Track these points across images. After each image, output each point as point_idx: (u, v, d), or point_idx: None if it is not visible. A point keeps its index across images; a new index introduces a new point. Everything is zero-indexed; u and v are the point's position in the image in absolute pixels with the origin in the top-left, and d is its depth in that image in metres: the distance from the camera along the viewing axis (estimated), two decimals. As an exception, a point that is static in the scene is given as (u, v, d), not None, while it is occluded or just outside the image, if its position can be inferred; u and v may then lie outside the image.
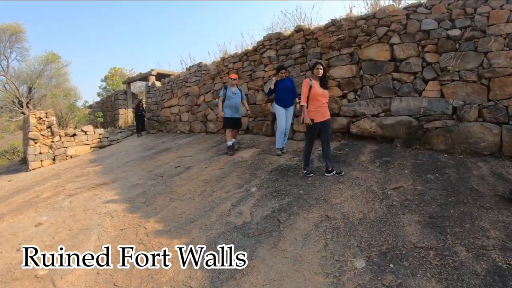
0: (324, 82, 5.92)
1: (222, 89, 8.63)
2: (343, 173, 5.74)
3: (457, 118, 6.10)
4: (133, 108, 19.37)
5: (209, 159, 8.36)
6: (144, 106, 17.02)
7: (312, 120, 5.65)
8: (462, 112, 6.03)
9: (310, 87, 5.69)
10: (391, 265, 3.29)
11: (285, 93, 7.42)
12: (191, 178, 7.04)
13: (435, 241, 3.59)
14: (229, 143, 8.63)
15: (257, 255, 3.80)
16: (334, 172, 5.76)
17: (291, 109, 7.61)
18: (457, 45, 6.20)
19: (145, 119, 16.61)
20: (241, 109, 8.84)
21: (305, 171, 6.02)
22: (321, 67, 5.79)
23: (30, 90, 22.28)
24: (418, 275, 3.10)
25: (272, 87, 7.51)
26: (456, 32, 6.18)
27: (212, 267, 3.72)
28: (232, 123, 8.61)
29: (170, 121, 14.72)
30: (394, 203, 4.52)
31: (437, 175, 5.25)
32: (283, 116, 7.45)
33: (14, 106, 20.99)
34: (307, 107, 5.72)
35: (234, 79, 8.58)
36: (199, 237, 4.43)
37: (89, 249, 4.63)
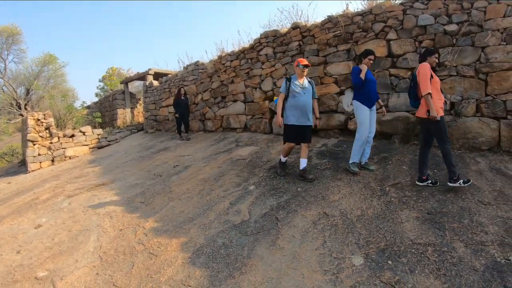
0: (435, 72, 4.91)
1: (284, 82, 5.87)
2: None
3: (455, 113, 6.09)
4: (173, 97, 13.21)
5: (207, 158, 8.35)
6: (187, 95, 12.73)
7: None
8: (460, 107, 6.02)
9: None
10: (390, 262, 3.29)
11: (372, 88, 5.72)
12: (190, 177, 7.04)
13: (434, 237, 3.59)
14: (283, 158, 6.13)
15: (255, 253, 3.81)
16: (429, 181, 4.81)
17: (374, 109, 5.84)
18: (454, 40, 6.19)
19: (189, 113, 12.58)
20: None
21: (462, 181, 4.48)
22: (437, 55, 4.93)
23: (28, 91, 22.21)
24: (417, 272, 3.11)
25: (363, 76, 5.55)
26: (453, 27, 6.16)
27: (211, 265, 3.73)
28: (299, 134, 5.76)
29: (168, 120, 14.65)
30: (392, 199, 4.52)
31: (435, 170, 5.26)
32: (368, 119, 5.64)
33: (12, 108, 20.94)
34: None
35: (304, 66, 5.76)
36: (197, 236, 4.44)
37: (89, 250, 4.64)
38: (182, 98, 12.13)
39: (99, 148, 14.48)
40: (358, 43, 7.33)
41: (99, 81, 31.42)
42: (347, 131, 7.61)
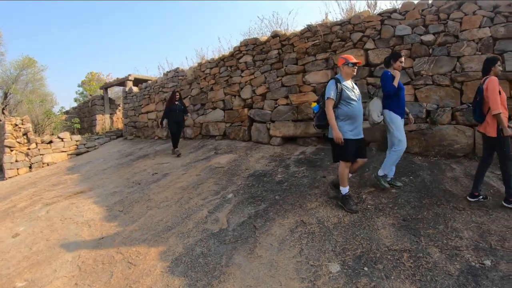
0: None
1: (332, 83, 4.65)
2: None
3: (430, 121, 6.21)
4: (166, 102, 11.52)
5: (186, 166, 8.31)
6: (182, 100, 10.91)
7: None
8: (435, 115, 6.13)
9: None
10: (366, 268, 3.33)
11: (404, 96, 5.17)
12: (168, 185, 7.00)
13: (409, 243, 3.65)
14: (344, 190, 4.70)
15: (233, 262, 3.82)
16: (481, 196, 4.46)
17: (403, 118, 5.19)
18: (431, 50, 6.33)
19: (185, 119, 10.44)
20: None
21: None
22: (500, 63, 4.53)
23: (5, 95, 21.79)
24: (392, 277, 3.16)
25: (397, 84, 4.93)
26: (429, 38, 6.30)
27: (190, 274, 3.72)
28: (357, 150, 4.70)
29: (148, 127, 14.53)
30: (368, 206, 4.59)
31: (411, 177, 5.34)
32: (402, 128, 5.02)
33: (-11, 112, 20.56)
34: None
35: (354, 64, 4.69)
36: (176, 245, 4.42)
37: (67, 259, 4.58)
38: (177, 103, 9.99)
39: (78, 154, 14.26)
40: (337, 52, 7.42)
41: (78, 86, 31.01)
42: (325, 139, 7.66)
